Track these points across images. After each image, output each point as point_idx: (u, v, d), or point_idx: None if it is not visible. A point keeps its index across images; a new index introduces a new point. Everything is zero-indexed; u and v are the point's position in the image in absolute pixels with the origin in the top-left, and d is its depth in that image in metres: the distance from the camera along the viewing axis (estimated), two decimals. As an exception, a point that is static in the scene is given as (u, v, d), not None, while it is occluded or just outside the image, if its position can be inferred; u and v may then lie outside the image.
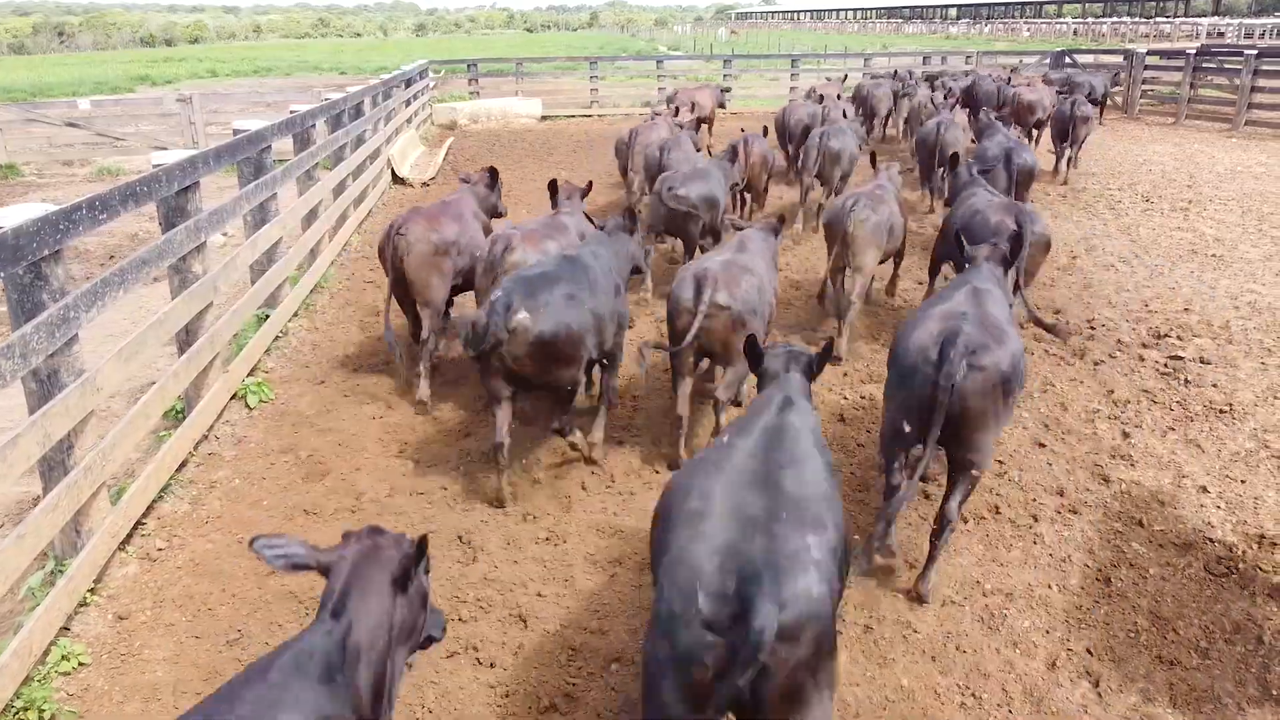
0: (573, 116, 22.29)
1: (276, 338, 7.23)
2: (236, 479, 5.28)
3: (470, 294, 6.64)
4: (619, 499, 5.01)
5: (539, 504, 4.93)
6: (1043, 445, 5.58)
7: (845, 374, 6.60)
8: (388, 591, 2.28)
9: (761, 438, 2.87)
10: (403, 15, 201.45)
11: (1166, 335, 7.26)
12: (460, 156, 16.76)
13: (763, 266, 5.35)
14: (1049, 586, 4.23)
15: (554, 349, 4.50)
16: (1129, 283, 8.64)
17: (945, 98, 14.50)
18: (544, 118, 21.78)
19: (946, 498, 4.08)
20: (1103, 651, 3.79)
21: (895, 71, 18.40)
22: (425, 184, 14.08)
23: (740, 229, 6.09)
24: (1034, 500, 4.97)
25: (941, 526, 4.06)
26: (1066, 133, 12.96)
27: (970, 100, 15.21)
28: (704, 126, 14.93)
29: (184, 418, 5.45)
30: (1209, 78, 20.04)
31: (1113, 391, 6.30)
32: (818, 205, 10.62)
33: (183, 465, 5.28)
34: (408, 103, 16.91)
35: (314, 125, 9.19)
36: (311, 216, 8.70)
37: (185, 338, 5.60)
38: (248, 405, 6.14)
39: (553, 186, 6.70)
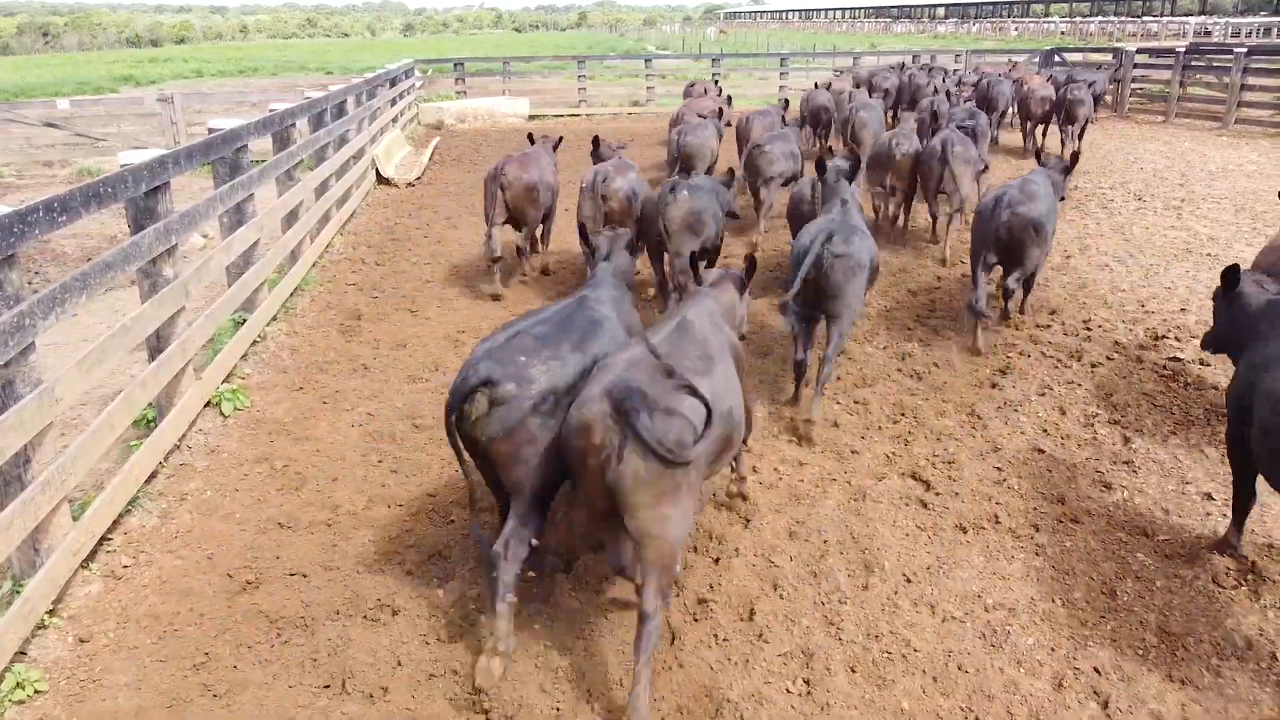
0: (560, 116, 22.11)
1: (253, 342, 7.01)
2: (208, 491, 5.08)
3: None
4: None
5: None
6: (1041, 451, 5.43)
7: (839, 378, 6.43)
8: (626, 252, 4.93)
9: (837, 212, 6.14)
10: (390, 15, 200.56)
11: (1164, 336, 7.12)
12: (447, 156, 16.55)
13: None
14: (1052, 600, 4.07)
15: (696, 217, 6.94)
16: (1124, 283, 8.50)
17: (943, 80, 16.20)
18: (532, 117, 21.59)
19: (1005, 280, 7.04)
20: (1111, 670, 3.62)
21: (903, 64, 21.19)
22: (410, 184, 13.86)
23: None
24: (1034, 509, 4.81)
25: (1006, 297, 7.24)
26: (1064, 117, 14.43)
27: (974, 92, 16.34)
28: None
29: (155, 427, 5.24)
30: (1198, 76, 19.99)
31: (1111, 395, 6.15)
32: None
33: (152, 477, 5.07)
34: (393, 102, 16.68)
35: (294, 124, 8.96)
36: (291, 218, 8.48)
37: (156, 343, 5.39)
38: (222, 413, 5.93)
39: (596, 141, 8.89)
